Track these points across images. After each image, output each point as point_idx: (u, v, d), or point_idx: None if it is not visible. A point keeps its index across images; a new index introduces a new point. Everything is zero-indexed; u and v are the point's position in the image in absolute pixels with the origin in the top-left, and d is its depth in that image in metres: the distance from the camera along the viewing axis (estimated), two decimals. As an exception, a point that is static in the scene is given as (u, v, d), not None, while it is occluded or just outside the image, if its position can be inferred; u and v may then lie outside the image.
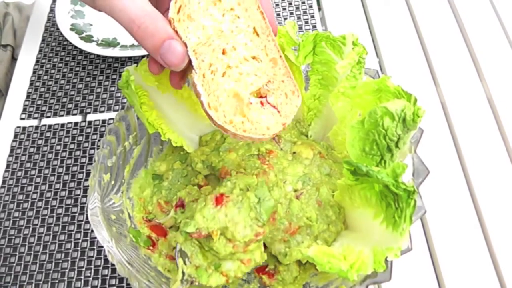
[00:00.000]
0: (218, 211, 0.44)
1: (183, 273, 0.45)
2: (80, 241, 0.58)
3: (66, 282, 0.55)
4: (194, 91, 0.41)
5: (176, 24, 0.39)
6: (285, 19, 0.77)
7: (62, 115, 0.69)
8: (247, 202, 0.45)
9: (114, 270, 0.56)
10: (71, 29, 0.74)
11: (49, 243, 0.58)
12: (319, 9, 0.80)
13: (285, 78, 0.45)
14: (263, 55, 0.44)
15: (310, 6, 0.78)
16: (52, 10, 0.82)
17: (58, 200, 0.61)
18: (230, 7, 0.42)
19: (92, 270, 0.56)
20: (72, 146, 0.66)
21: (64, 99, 0.71)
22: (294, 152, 0.53)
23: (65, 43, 0.77)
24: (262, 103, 0.43)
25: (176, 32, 0.39)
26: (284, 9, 0.79)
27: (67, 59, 0.76)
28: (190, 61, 0.39)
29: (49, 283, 0.55)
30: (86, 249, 0.57)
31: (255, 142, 0.49)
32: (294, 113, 0.44)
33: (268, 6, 0.44)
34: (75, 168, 0.64)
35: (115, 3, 0.37)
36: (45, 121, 0.69)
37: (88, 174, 0.63)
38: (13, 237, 0.59)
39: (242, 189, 0.47)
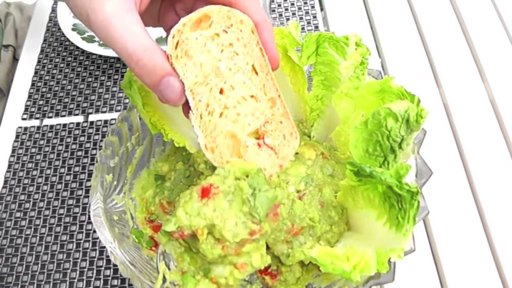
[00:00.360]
0: (204, 205, 0.38)
1: (164, 279, 0.40)
2: (82, 241, 0.58)
3: (68, 283, 0.55)
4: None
5: (173, 61, 0.37)
6: (287, 19, 0.77)
7: (64, 116, 0.69)
8: (239, 195, 0.39)
9: (116, 270, 0.56)
10: (73, 29, 0.74)
11: (51, 244, 0.58)
12: (321, 9, 0.80)
13: (284, 119, 0.44)
14: (261, 94, 0.43)
15: (313, 7, 0.78)
16: (53, 10, 0.82)
17: (60, 201, 0.61)
18: (229, 42, 0.40)
19: (94, 271, 0.56)
20: (74, 146, 0.66)
21: (66, 100, 0.71)
22: (296, 153, 0.53)
23: (67, 43, 0.77)
24: (259, 145, 0.43)
25: (174, 69, 0.37)
26: (287, 9, 0.78)
27: (69, 59, 0.76)
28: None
29: (51, 284, 0.55)
30: (88, 250, 0.57)
31: None
32: (291, 155, 0.44)
33: (269, 38, 0.42)
34: (77, 169, 0.64)
35: (112, 34, 0.35)
36: (47, 122, 0.69)
37: (90, 175, 0.63)
38: (15, 237, 0.59)
39: (238, 179, 0.40)
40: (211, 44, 0.40)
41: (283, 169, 0.43)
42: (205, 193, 0.38)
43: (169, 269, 0.40)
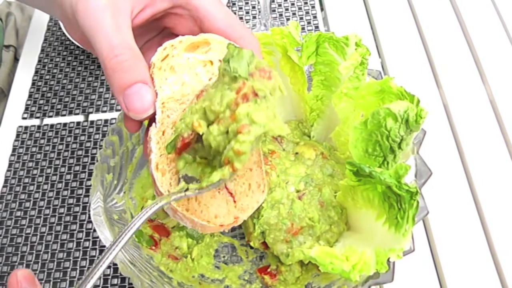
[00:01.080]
0: (195, 104, 0.36)
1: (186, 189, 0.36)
2: (82, 240, 0.58)
3: (68, 281, 0.55)
4: (146, 145, 0.37)
5: (155, 70, 0.36)
6: (287, 19, 0.77)
7: (64, 115, 0.69)
8: (221, 78, 0.35)
9: (116, 269, 0.56)
10: (74, 29, 0.74)
11: (51, 243, 0.58)
12: (322, 9, 0.80)
13: (255, 167, 0.40)
14: None
15: (313, 7, 0.78)
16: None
17: (60, 200, 0.61)
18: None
19: (94, 270, 0.56)
20: (74, 145, 0.66)
21: (66, 99, 0.71)
22: (296, 153, 0.53)
23: (67, 42, 0.77)
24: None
25: (152, 79, 0.36)
26: (287, 9, 0.79)
27: (69, 58, 0.76)
28: (154, 113, 0.35)
29: (51, 282, 0.55)
30: (88, 249, 0.57)
31: (195, 228, 0.39)
32: (252, 210, 0.39)
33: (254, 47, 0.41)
34: (77, 168, 0.64)
35: (99, 26, 0.33)
36: (47, 121, 0.69)
37: (90, 174, 0.63)
38: (15, 236, 0.59)
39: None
40: (201, 69, 0.38)
41: (236, 223, 0.38)
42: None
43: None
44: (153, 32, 0.43)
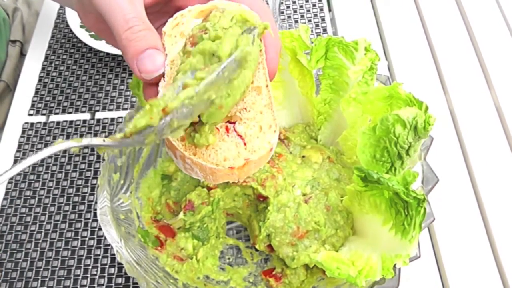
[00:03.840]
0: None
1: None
2: (87, 239, 0.58)
3: (72, 280, 0.56)
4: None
5: (165, 37, 0.37)
6: (296, 21, 0.77)
7: (71, 112, 0.69)
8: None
9: (120, 268, 0.56)
10: (81, 26, 0.74)
11: (55, 240, 0.58)
12: (329, 10, 0.80)
13: (265, 110, 0.39)
14: None
15: (321, 9, 0.78)
16: (62, 6, 0.82)
17: (65, 198, 0.61)
18: None
19: (99, 268, 0.56)
20: (80, 143, 0.66)
21: (73, 96, 0.71)
22: (303, 156, 0.53)
23: (75, 40, 0.77)
24: (227, 129, 0.38)
25: (163, 45, 0.37)
26: (295, 11, 0.78)
27: (77, 56, 0.76)
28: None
29: (55, 280, 0.56)
30: (93, 247, 0.58)
31: (206, 178, 0.39)
32: (265, 150, 0.38)
33: (272, 44, 0.40)
34: (83, 166, 0.64)
35: (114, 2, 0.35)
36: (53, 118, 0.69)
37: (96, 172, 0.63)
38: (20, 233, 0.59)
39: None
40: None
41: (248, 166, 0.37)
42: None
43: None
44: (166, 15, 0.44)
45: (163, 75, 0.37)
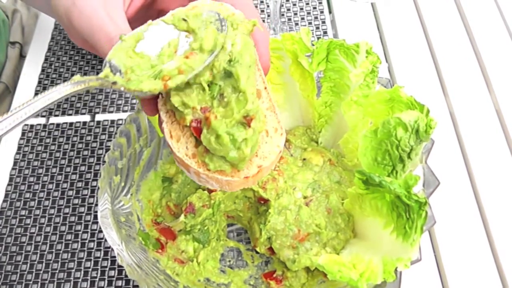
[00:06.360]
0: None
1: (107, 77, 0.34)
2: (87, 241, 0.58)
3: (72, 282, 0.55)
4: (158, 118, 0.38)
5: None
6: (296, 24, 0.77)
7: (71, 114, 0.69)
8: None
9: (120, 271, 0.56)
10: (81, 28, 0.74)
11: (55, 243, 0.58)
12: (330, 12, 0.80)
13: (268, 113, 0.39)
14: None
15: (321, 11, 0.79)
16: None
17: (65, 200, 0.61)
18: None
19: (99, 271, 0.56)
20: (80, 145, 0.66)
21: (73, 98, 0.71)
22: (304, 159, 0.53)
23: (75, 41, 0.77)
24: None
25: None
26: (296, 14, 0.79)
27: (76, 58, 0.76)
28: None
29: (55, 283, 0.55)
30: (93, 250, 0.57)
31: (222, 188, 0.39)
32: (275, 154, 0.38)
33: (261, 39, 0.40)
34: (83, 168, 0.64)
35: (95, 25, 0.36)
36: (53, 120, 0.69)
37: (96, 174, 0.63)
38: (20, 235, 0.59)
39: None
40: None
41: (261, 172, 0.37)
42: None
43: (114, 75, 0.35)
44: (151, 19, 0.44)
45: (153, 104, 0.37)
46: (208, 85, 0.36)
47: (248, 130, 0.36)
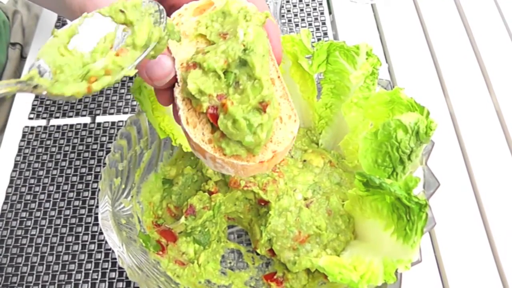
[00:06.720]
0: None
1: (32, 79, 0.31)
2: (88, 243, 0.58)
3: (73, 284, 0.55)
4: (173, 106, 0.39)
5: (169, 41, 0.37)
6: (296, 25, 0.77)
7: (71, 116, 0.69)
8: None
9: (121, 273, 0.56)
10: (82, 30, 0.74)
11: (56, 244, 0.58)
12: (330, 12, 0.80)
13: (282, 101, 0.40)
14: None
15: (322, 13, 0.79)
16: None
17: (66, 202, 0.61)
18: None
19: (100, 273, 0.56)
20: (80, 147, 0.66)
21: (73, 100, 0.71)
22: (304, 160, 0.53)
23: (75, 43, 0.77)
24: None
25: (167, 47, 0.37)
26: (296, 15, 0.79)
27: (77, 59, 0.75)
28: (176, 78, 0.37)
29: (56, 285, 0.55)
30: (94, 252, 0.57)
31: (237, 174, 0.39)
32: (288, 140, 0.39)
33: (273, 31, 0.41)
34: (83, 170, 0.64)
35: None
36: (54, 122, 0.69)
37: (96, 176, 0.63)
38: (20, 237, 0.59)
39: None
40: None
41: (276, 157, 0.38)
42: None
43: (41, 77, 0.32)
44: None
45: (175, 79, 0.38)
46: (224, 73, 0.37)
47: (264, 115, 0.36)
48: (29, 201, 0.62)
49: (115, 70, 0.33)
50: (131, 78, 0.72)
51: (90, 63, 0.33)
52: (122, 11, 0.34)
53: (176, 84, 0.38)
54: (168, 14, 0.43)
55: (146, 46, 0.34)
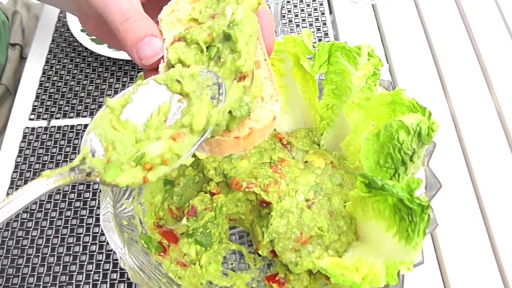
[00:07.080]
0: None
1: (83, 161, 0.31)
2: (89, 244, 0.58)
3: (74, 285, 0.55)
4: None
5: (162, 24, 0.39)
6: (297, 25, 0.77)
7: (72, 117, 0.69)
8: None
9: (122, 274, 0.56)
10: (82, 30, 0.74)
11: (57, 246, 0.58)
12: (330, 12, 0.80)
13: (265, 81, 0.39)
14: None
15: (322, 13, 0.79)
16: (62, 10, 0.82)
17: (67, 203, 0.61)
18: None
19: (101, 274, 0.56)
20: (81, 148, 0.66)
21: (74, 101, 0.71)
22: (306, 161, 0.53)
23: (76, 44, 0.77)
24: None
25: (160, 31, 0.38)
26: (297, 15, 0.79)
27: (77, 60, 0.76)
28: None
29: (57, 286, 0.55)
30: (95, 253, 0.57)
31: (212, 152, 0.38)
32: (268, 119, 0.37)
33: (266, 22, 0.40)
34: (84, 171, 0.64)
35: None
36: (54, 122, 0.69)
37: (97, 177, 0.63)
38: (21, 238, 0.59)
39: None
40: None
41: (253, 134, 0.37)
42: None
43: (93, 156, 0.32)
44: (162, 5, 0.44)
45: (162, 58, 0.37)
46: (207, 48, 0.36)
47: (240, 85, 0.36)
48: (30, 202, 0.61)
49: (172, 158, 0.31)
50: (131, 79, 0.72)
51: (143, 140, 0.32)
52: (178, 81, 0.34)
53: (161, 60, 0.38)
54: (165, 3, 0.43)
55: (204, 130, 0.33)
